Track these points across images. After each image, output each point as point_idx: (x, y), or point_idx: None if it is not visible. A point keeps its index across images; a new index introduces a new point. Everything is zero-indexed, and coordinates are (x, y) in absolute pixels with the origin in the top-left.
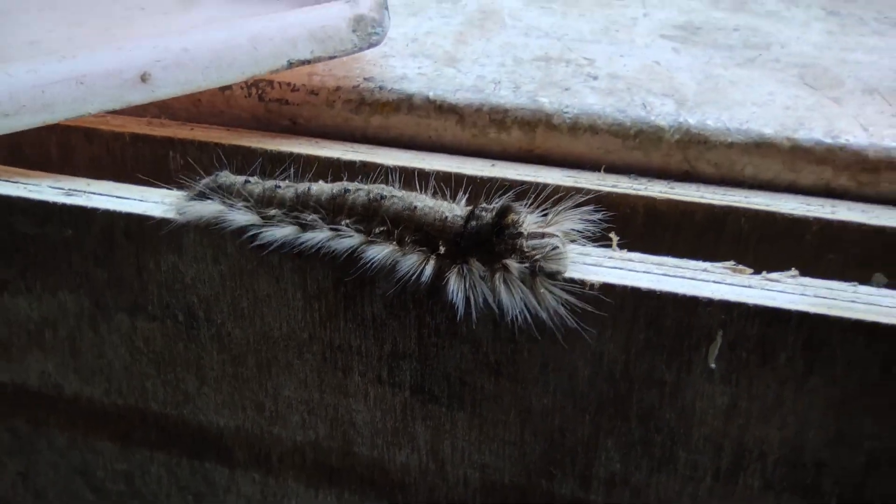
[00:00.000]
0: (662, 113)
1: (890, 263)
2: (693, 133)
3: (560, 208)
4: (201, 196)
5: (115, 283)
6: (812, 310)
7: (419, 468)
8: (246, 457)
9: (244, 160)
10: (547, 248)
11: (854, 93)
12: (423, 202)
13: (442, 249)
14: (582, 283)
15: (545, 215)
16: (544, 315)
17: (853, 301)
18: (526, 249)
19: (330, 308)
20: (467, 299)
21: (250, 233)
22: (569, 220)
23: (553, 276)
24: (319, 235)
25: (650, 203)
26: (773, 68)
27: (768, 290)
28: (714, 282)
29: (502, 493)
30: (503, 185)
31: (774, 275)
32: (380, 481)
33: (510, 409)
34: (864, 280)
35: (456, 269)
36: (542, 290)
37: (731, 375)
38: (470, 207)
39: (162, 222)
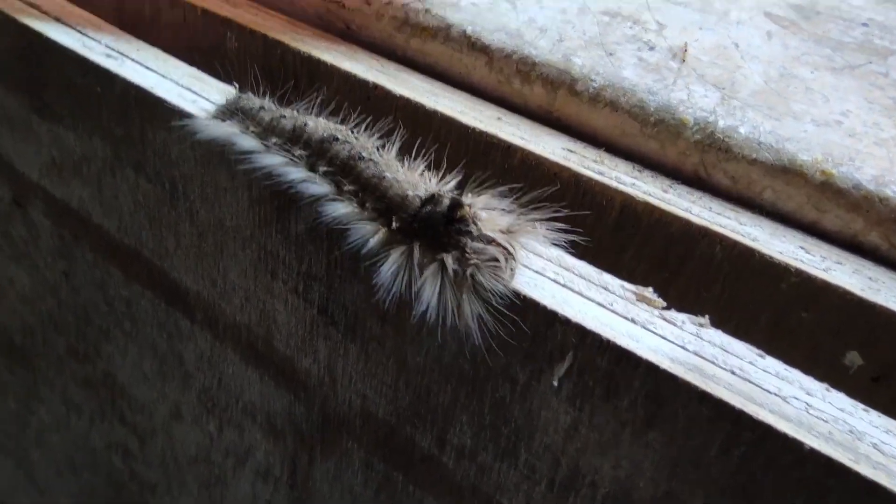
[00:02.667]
0: (696, 106)
1: (869, 345)
2: (716, 137)
3: (532, 216)
4: (222, 115)
5: (126, 141)
6: (664, 365)
7: (318, 377)
8: (202, 317)
9: (281, 58)
10: (487, 257)
11: None
12: (395, 173)
13: (395, 225)
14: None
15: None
16: (450, 318)
17: (724, 370)
18: (468, 251)
19: (266, 215)
20: (394, 277)
21: (249, 157)
22: (532, 233)
23: (480, 288)
24: (295, 174)
25: (628, 201)
26: (872, 84)
27: (645, 328)
28: (589, 301)
29: (376, 423)
30: (492, 143)
31: (678, 316)
32: (289, 376)
33: (390, 355)
34: (836, 354)
35: (400, 249)
36: (464, 298)
37: (576, 399)
38: (434, 190)
39: (160, 102)
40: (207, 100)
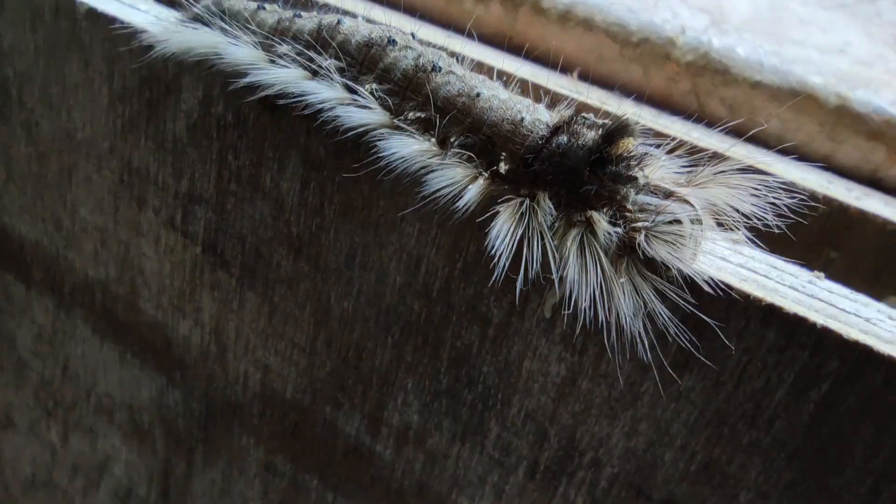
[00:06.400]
0: (685, 27)
1: None
2: (712, 57)
3: (719, 168)
4: (198, 20)
5: None
6: (707, 274)
7: (200, 347)
8: (42, 277)
9: None
10: (661, 218)
11: None
12: (493, 90)
13: (503, 168)
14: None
15: (689, 170)
16: (605, 315)
17: (785, 286)
18: (629, 206)
19: (133, 115)
20: (515, 251)
21: (249, 75)
22: (726, 190)
23: (652, 265)
24: (329, 93)
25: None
26: (866, 20)
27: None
28: None
29: (282, 407)
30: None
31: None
32: (160, 349)
33: (305, 302)
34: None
35: (515, 203)
36: (624, 281)
37: (576, 338)
38: (566, 114)
39: None
40: None
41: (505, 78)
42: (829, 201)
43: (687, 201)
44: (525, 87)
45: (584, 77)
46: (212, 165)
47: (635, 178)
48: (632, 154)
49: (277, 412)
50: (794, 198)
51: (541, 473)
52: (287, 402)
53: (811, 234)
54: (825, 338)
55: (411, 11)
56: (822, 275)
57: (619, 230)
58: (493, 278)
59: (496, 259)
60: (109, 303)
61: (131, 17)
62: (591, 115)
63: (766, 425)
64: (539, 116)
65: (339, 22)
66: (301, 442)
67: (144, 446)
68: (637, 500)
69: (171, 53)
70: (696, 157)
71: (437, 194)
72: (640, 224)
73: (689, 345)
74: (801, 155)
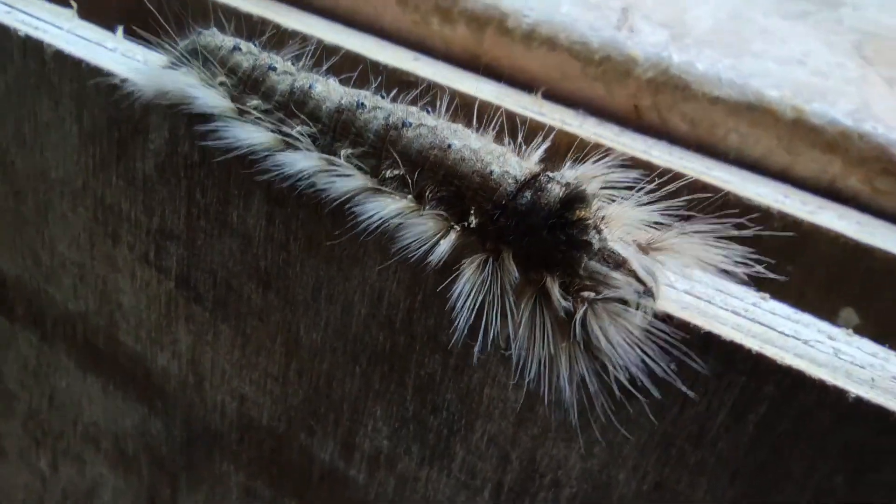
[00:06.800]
0: (645, 43)
1: (865, 300)
2: (672, 74)
3: (684, 231)
4: (177, 63)
5: None
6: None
7: (179, 378)
8: (24, 311)
9: None
10: (611, 292)
11: None
12: (465, 140)
13: (472, 221)
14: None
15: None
16: (557, 382)
17: (725, 310)
18: (581, 272)
19: (104, 154)
20: (475, 308)
21: (214, 123)
22: (688, 257)
23: (588, 346)
24: (305, 163)
25: (577, 144)
26: (827, 29)
27: None
28: None
29: (259, 434)
30: (404, 81)
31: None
32: (141, 380)
33: (276, 333)
34: (828, 312)
35: (479, 261)
36: (563, 349)
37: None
38: (534, 169)
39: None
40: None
41: (468, 101)
42: (783, 216)
43: (635, 274)
44: (488, 110)
45: (549, 96)
46: (181, 203)
47: (590, 244)
48: (589, 219)
49: (255, 439)
50: (762, 262)
51: (505, 494)
52: (263, 429)
53: (767, 250)
54: (760, 363)
55: (381, 33)
56: (767, 296)
57: (568, 302)
58: (453, 340)
59: (456, 321)
60: (90, 335)
61: (99, 57)
62: (556, 173)
63: (710, 446)
64: (508, 169)
65: (310, 87)
66: (278, 467)
67: (130, 473)
68: None
69: (146, 97)
70: (663, 197)
71: (410, 249)
72: (586, 294)
73: (629, 385)
74: (761, 168)
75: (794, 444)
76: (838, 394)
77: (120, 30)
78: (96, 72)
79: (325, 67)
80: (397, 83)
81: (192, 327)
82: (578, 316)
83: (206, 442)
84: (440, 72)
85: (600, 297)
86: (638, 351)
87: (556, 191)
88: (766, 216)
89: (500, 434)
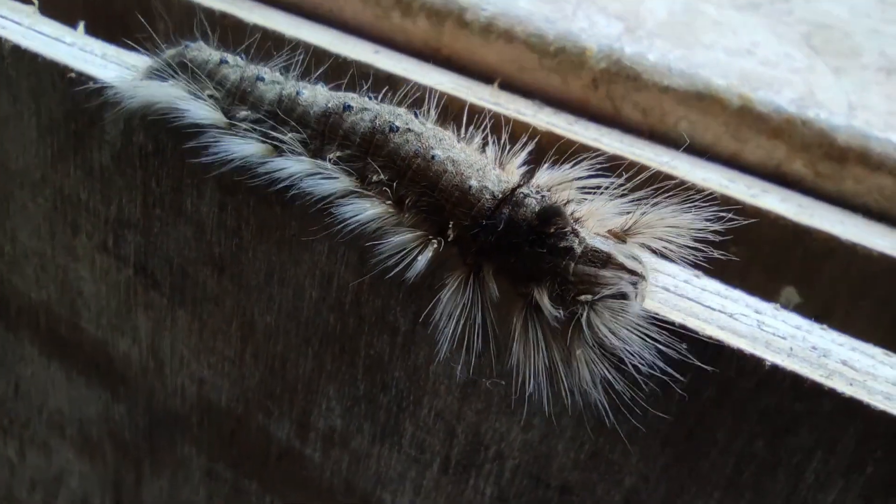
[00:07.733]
0: (600, 34)
1: (806, 280)
2: (623, 65)
3: (659, 205)
4: (162, 73)
5: None
6: None
7: (140, 363)
8: None
9: None
10: (606, 290)
11: (867, 69)
12: (449, 151)
13: (451, 234)
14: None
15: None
16: (567, 391)
17: (655, 286)
18: (571, 278)
19: (61, 146)
20: (457, 327)
21: (204, 135)
22: (661, 229)
23: (601, 344)
24: (294, 167)
25: (533, 134)
26: (778, 20)
27: None
28: None
29: (218, 416)
30: (367, 75)
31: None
32: (103, 367)
33: (232, 317)
34: (771, 292)
35: (461, 276)
36: (579, 356)
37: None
38: (513, 184)
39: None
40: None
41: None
42: (726, 199)
43: (623, 266)
44: (449, 101)
45: (507, 86)
46: (137, 192)
47: (573, 250)
48: (567, 226)
49: (214, 421)
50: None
51: (453, 468)
52: (223, 411)
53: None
54: (684, 334)
55: (343, 26)
56: (700, 273)
57: (560, 312)
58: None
59: (439, 343)
60: (53, 323)
61: (57, 52)
62: (532, 189)
63: (640, 416)
64: (486, 184)
65: (297, 94)
66: (238, 448)
67: (96, 459)
68: (537, 488)
69: (133, 107)
70: (629, 189)
71: (389, 260)
72: (583, 297)
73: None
74: (711, 155)
75: (718, 412)
76: (756, 362)
77: (81, 25)
78: (52, 66)
79: (279, 61)
80: (360, 76)
81: (151, 314)
82: (583, 320)
83: (168, 426)
84: (400, 64)
85: (599, 297)
86: (646, 337)
87: (532, 205)
88: (710, 200)
89: (446, 409)
